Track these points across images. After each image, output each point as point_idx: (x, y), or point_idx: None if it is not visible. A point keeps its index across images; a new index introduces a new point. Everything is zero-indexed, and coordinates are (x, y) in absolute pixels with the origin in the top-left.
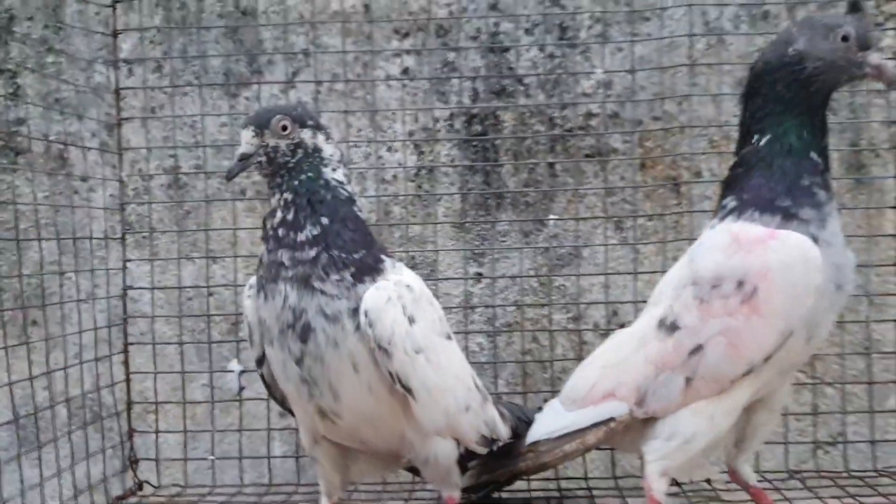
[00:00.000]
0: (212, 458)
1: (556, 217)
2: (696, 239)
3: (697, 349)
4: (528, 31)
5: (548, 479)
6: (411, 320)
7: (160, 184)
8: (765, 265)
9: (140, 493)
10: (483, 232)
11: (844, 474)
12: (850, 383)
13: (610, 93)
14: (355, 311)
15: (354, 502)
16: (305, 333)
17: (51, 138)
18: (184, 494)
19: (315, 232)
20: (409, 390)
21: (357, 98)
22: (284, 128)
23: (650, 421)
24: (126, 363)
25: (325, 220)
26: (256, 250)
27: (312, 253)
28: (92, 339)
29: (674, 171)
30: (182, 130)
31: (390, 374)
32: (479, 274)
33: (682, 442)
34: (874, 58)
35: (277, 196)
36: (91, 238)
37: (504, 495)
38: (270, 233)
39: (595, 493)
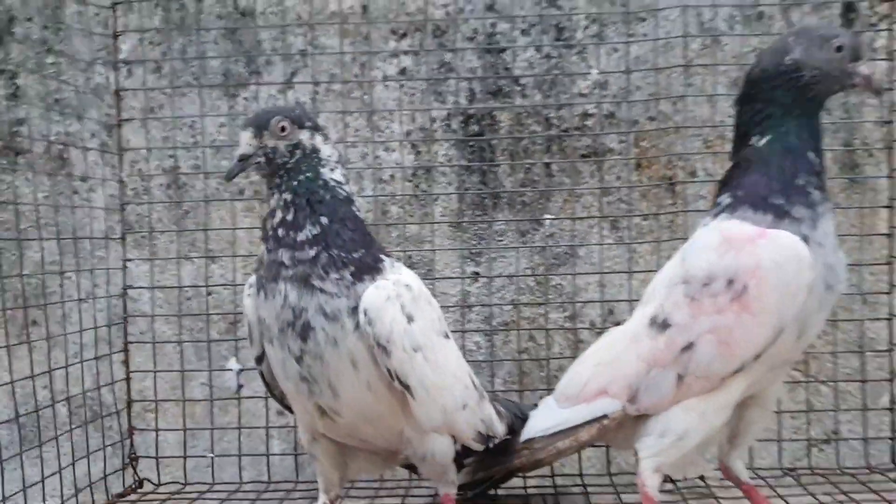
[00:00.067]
0: (211, 455)
1: (553, 217)
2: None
3: (689, 347)
4: (524, 32)
5: (543, 476)
6: (410, 319)
7: (159, 184)
8: (755, 264)
9: (140, 490)
10: (480, 231)
11: (837, 471)
12: (844, 381)
13: (606, 93)
14: (354, 310)
15: (352, 499)
16: (305, 332)
17: (51, 139)
18: (183, 492)
19: (315, 231)
20: (407, 388)
21: (355, 98)
22: (283, 129)
23: (643, 418)
24: (126, 362)
25: (324, 220)
26: (255, 250)
27: (312, 252)
28: (92, 338)
29: (669, 170)
30: (181, 131)
31: (389, 371)
32: (476, 273)
33: (674, 438)
34: (864, 69)
35: (276, 196)
36: (91, 238)
37: (500, 492)
38: (270, 233)
39: (590, 489)
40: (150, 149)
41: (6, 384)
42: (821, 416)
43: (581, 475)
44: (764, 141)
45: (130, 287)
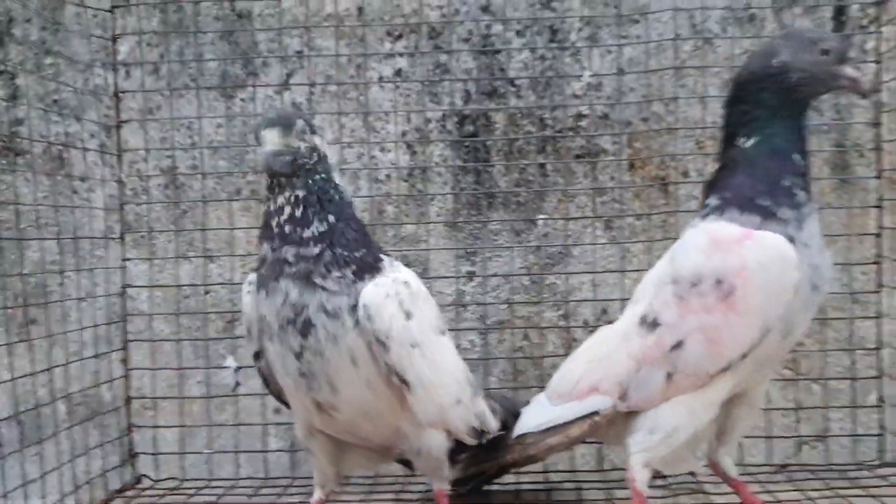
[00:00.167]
0: (208, 452)
1: (547, 216)
2: None
3: (677, 345)
4: (519, 34)
5: (536, 473)
6: (408, 315)
7: (158, 184)
8: (742, 265)
9: (138, 486)
10: (475, 231)
11: (825, 468)
12: (834, 379)
13: (599, 94)
14: (354, 308)
15: (347, 496)
16: (306, 329)
17: (50, 139)
18: (181, 488)
19: (322, 229)
20: (405, 383)
21: (350, 99)
22: (303, 131)
23: (633, 414)
24: (125, 360)
25: (331, 218)
26: (252, 249)
27: (316, 250)
28: (91, 336)
29: (662, 171)
30: (179, 131)
31: (387, 366)
32: (472, 272)
33: (663, 435)
34: (850, 71)
35: (288, 193)
36: (90, 237)
37: (493, 488)
38: (276, 230)
39: (582, 486)
40: (149, 149)
41: (6, 381)
42: (812, 414)
43: (573, 472)
44: (751, 142)
45: (129, 286)
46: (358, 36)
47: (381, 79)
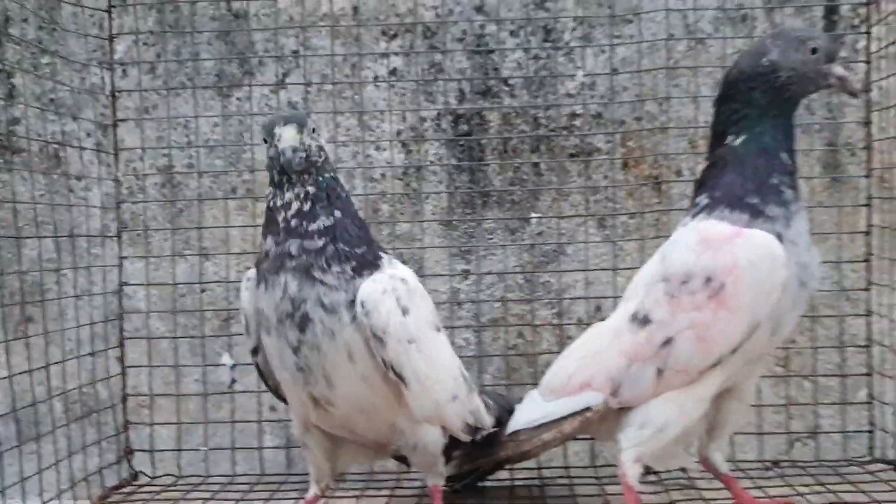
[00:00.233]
0: (205, 449)
1: (541, 215)
2: None
3: (668, 342)
4: (513, 34)
5: (530, 469)
6: (405, 311)
7: (154, 183)
8: (731, 263)
9: (135, 483)
10: (469, 229)
11: (816, 464)
12: (824, 376)
13: (593, 94)
14: (352, 304)
15: (342, 492)
16: (303, 323)
17: (47, 138)
18: (177, 484)
19: (327, 223)
20: (401, 378)
21: (346, 98)
22: (313, 129)
23: (624, 410)
24: (121, 358)
25: (337, 213)
26: (248, 247)
27: (320, 243)
28: (88, 334)
29: (655, 170)
30: (175, 130)
31: (384, 362)
32: (466, 270)
33: (654, 430)
34: (839, 70)
35: (298, 189)
36: (87, 236)
37: (487, 484)
38: (283, 224)
39: (575, 481)
40: (145, 148)
41: (4, 379)
42: (804, 411)
43: (566, 468)
44: (740, 140)
45: (126, 284)
46: (353, 35)
47: (376, 78)
